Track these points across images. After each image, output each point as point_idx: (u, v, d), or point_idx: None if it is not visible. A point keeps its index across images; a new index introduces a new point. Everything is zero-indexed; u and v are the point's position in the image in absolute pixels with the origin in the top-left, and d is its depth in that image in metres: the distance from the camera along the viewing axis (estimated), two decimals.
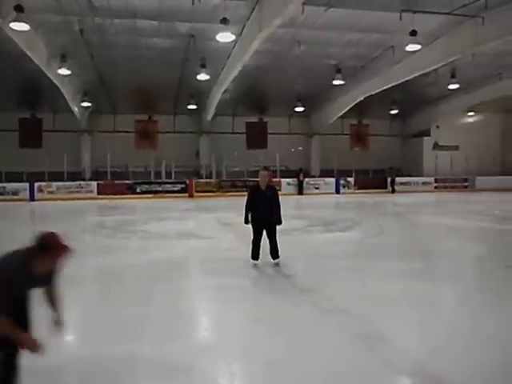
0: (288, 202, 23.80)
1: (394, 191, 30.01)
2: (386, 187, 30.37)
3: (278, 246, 7.84)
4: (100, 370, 4.00)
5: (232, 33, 14.82)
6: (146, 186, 27.31)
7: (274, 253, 7.83)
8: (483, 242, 10.94)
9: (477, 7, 15.30)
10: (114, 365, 4.10)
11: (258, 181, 7.92)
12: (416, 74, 21.12)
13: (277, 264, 7.78)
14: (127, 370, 4.01)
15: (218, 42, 15.79)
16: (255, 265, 7.78)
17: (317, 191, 29.20)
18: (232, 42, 16.50)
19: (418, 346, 4.46)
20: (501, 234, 12.45)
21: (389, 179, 30.63)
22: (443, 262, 8.83)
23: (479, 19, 15.99)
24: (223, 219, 15.35)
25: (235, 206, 20.74)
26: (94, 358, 4.24)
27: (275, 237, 7.80)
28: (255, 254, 7.82)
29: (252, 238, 7.81)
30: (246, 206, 7.83)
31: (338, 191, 29.66)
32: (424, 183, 31.80)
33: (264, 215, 7.68)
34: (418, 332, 4.87)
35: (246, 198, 7.92)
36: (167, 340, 4.63)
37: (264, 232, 7.80)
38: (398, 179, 30.74)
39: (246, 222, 7.82)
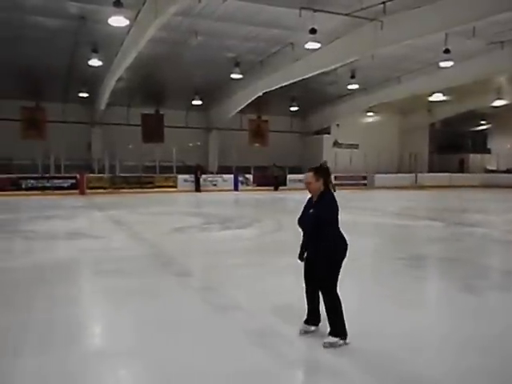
0: (185, 199, 23.86)
1: (276, 189, 30.00)
2: (285, 184, 31.03)
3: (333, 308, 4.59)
4: None
5: (126, 17, 14.53)
6: (33, 182, 25.79)
7: (330, 322, 4.57)
8: (378, 236, 11.96)
9: (376, 11, 16.19)
10: None
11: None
12: (315, 73, 21.94)
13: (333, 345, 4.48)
14: None
15: (110, 26, 15.41)
16: (305, 332, 4.80)
17: (214, 188, 29.32)
18: (126, 27, 16.14)
19: (314, 339, 4.67)
20: (395, 228, 13.50)
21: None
22: None
23: (378, 23, 16.92)
24: (115, 217, 15.03)
25: (128, 203, 20.55)
26: None
27: (323, 285, 4.63)
28: (310, 315, 4.83)
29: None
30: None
31: (236, 188, 29.90)
32: None
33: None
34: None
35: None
36: (51, 349, 4.46)
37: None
38: (290, 176, 31.30)
39: (302, 258, 4.78)
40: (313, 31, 16.28)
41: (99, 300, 6.29)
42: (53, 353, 4.37)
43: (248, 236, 11.65)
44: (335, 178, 33.29)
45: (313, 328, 4.78)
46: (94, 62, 19.51)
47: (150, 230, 12.36)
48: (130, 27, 16.74)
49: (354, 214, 16.81)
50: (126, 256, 8.76)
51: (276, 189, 30.13)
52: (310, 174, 4.60)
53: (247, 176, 30.72)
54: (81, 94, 26.36)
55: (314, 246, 4.54)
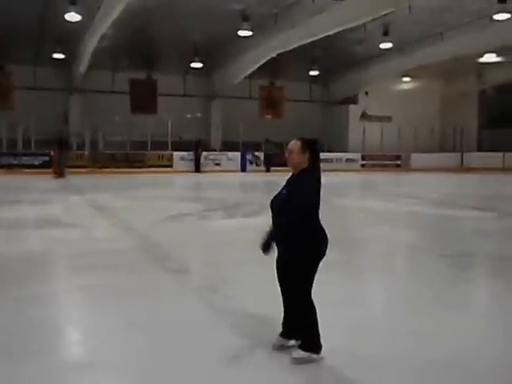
0: (182, 181, 23.85)
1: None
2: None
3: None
4: None
5: None
6: None
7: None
8: (416, 229, 11.77)
9: None
10: None
11: None
12: (340, 29, 21.65)
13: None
14: None
15: None
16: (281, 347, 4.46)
17: (218, 168, 29.43)
18: None
19: (336, 348, 4.62)
20: (436, 219, 13.40)
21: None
22: (369, 251, 9.38)
23: None
24: (97, 202, 15.08)
25: (113, 185, 20.58)
26: None
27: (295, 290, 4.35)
28: (287, 326, 4.50)
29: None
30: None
31: (243, 169, 30.05)
32: (349, 160, 32.88)
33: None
34: (343, 332, 5.06)
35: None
36: (19, 359, 4.39)
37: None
38: None
39: (267, 248, 4.22)
40: None
41: (78, 301, 6.24)
42: (23, 364, 4.29)
43: (257, 226, 11.48)
44: (362, 157, 33.35)
45: (292, 342, 4.41)
46: (72, 16, 19.42)
47: (139, 218, 12.36)
48: None
49: (386, 200, 16.88)
50: (110, 249, 8.76)
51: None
52: (298, 142, 4.27)
53: (257, 154, 30.54)
54: (56, 55, 26.42)
55: (290, 244, 4.15)
